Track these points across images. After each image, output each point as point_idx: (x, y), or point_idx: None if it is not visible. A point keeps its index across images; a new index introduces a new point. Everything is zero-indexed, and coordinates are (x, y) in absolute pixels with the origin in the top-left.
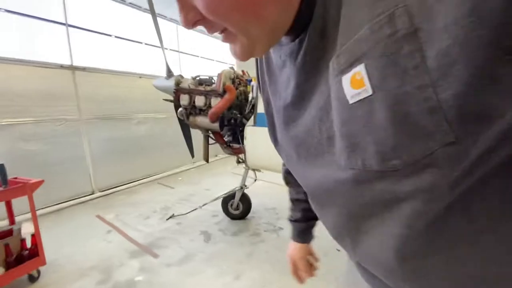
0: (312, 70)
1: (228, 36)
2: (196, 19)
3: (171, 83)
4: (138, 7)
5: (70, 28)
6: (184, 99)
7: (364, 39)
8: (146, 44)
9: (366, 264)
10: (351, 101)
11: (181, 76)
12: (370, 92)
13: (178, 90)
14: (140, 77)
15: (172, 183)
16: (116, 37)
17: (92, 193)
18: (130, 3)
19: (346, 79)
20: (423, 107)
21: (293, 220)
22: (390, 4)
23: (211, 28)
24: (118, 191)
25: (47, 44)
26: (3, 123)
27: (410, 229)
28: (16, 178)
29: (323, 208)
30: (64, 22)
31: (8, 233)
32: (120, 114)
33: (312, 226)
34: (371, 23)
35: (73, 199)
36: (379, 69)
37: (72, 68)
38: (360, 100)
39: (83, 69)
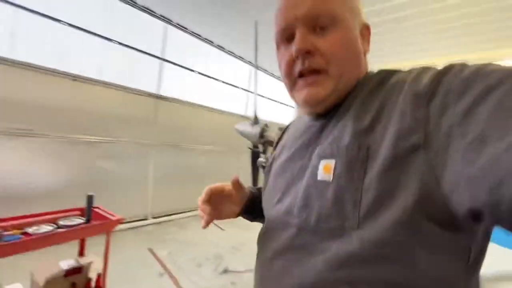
0: (308, 143)
1: (315, 79)
2: (309, 50)
3: (256, 130)
4: (221, 48)
5: (163, 62)
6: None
7: (342, 147)
8: (223, 82)
9: None
10: (318, 178)
11: (266, 126)
12: (330, 179)
13: (266, 143)
14: (210, 111)
15: (223, 222)
16: (198, 73)
17: (146, 219)
18: (218, 45)
19: (322, 163)
20: (352, 199)
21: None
22: (363, 141)
23: (314, 62)
24: (170, 220)
25: (141, 73)
26: (87, 140)
27: (318, 274)
28: (98, 207)
29: (265, 241)
30: (159, 56)
31: (78, 270)
32: (186, 143)
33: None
34: (348, 143)
35: (127, 222)
36: (341, 168)
37: (157, 97)
38: (323, 180)
39: (166, 98)
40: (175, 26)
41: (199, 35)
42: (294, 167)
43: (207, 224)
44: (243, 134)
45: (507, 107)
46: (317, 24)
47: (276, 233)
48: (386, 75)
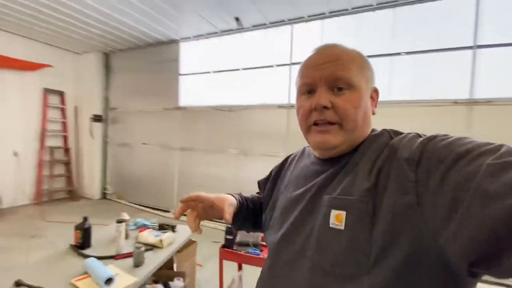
0: (316, 189)
1: (329, 129)
2: (327, 106)
3: None
4: None
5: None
6: None
7: (353, 202)
8: None
9: None
10: (330, 225)
11: None
12: (342, 227)
13: None
14: None
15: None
16: None
17: None
18: None
19: (334, 212)
20: (363, 249)
21: (246, 197)
22: (369, 197)
23: (328, 115)
24: None
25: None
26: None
27: None
28: None
29: (274, 278)
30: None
31: None
32: None
33: (245, 209)
34: (360, 197)
35: None
36: (352, 219)
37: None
38: (335, 228)
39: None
40: None
41: None
42: (301, 207)
43: (199, 229)
44: None
45: (468, 171)
46: (336, 85)
47: (288, 272)
48: (386, 140)
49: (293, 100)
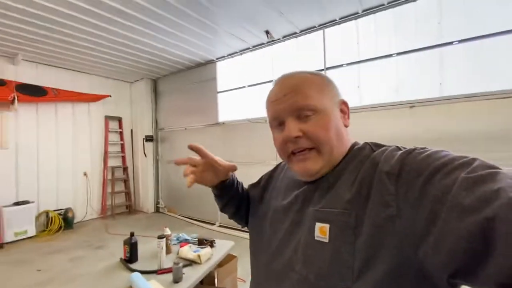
0: (301, 201)
1: (307, 156)
2: (297, 135)
3: None
4: None
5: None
6: None
7: (335, 213)
8: None
9: None
10: (315, 238)
11: None
12: (326, 240)
13: None
14: None
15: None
16: None
17: None
18: None
19: (318, 225)
20: (346, 262)
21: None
22: (351, 210)
23: (302, 143)
24: None
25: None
26: None
27: None
28: None
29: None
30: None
31: None
32: None
33: (235, 189)
34: (342, 209)
35: None
36: (335, 232)
37: None
38: (320, 241)
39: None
40: None
41: None
42: (290, 218)
43: (191, 184)
44: None
45: (445, 184)
46: (301, 114)
47: (276, 283)
48: (368, 153)
49: None
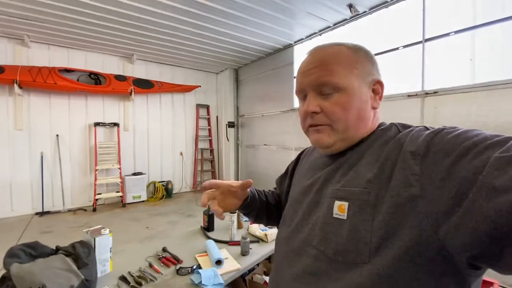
0: (322, 181)
1: (322, 129)
2: (315, 111)
3: None
4: None
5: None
6: None
7: (355, 192)
8: None
9: None
10: (334, 215)
11: None
12: (345, 217)
13: None
14: None
15: None
16: None
17: None
18: None
19: (337, 203)
20: (364, 238)
21: (259, 191)
22: (372, 188)
23: (319, 119)
24: None
25: None
26: None
27: None
28: None
29: (282, 263)
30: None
31: None
32: None
33: (258, 202)
34: (362, 188)
35: None
36: (354, 210)
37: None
38: (338, 218)
39: (435, 92)
40: None
41: None
42: (309, 198)
43: (222, 215)
44: None
45: (475, 165)
46: (323, 91)
47: (294, 258)
48: (394, 134)
49: (429, 86)
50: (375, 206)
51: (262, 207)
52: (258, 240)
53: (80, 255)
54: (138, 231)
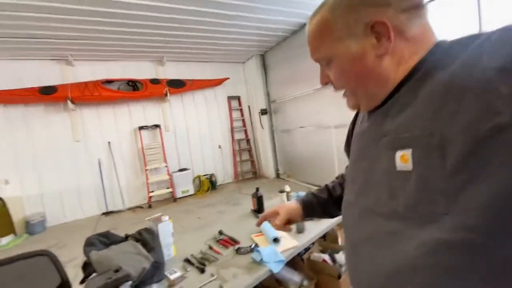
0: (375, 135)
1: (345, 94)
2: (327, 81)
3: None
4: None
5: None
6: None
7: (415, 137)
8: None
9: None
10: (397, 168)
11: None
12: (410, 167)
13: None
14: None
15: None
16: None
17: None
18: None
19: (398, 154)
20: (436, 187)
21: (314, 194)
22: (434, 128)
23: (335, 87)
24: None
25: None
26: None
27: (410, 260)
28: None
29: (349, 228)
30: None
31: None
32: None
33: (316, 206)
34: (422, 130)
35: None
36: (419, 156)
37: None
38: (403, 170)
39: None
40: None
41: None
42: (367, 157)
43: (286, 227)
44: None
45: None
46: (323, 63)
47: (361, 222)
48: (453, 55)
49: None
50: (443, 148)
51: (326, 205)
52: (311, 218)
53: (147, 240)
54: (191, 221)
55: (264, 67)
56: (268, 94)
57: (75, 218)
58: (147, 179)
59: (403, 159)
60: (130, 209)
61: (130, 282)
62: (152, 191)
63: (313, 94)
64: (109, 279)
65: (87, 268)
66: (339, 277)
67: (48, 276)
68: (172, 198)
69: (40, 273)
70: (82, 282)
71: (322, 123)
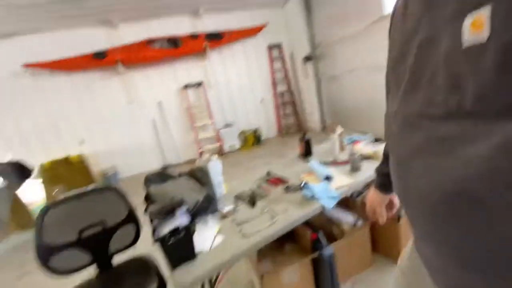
0: (422, 11)
1: None
2: None
3: None
4: None
5: None
6: None
7: None
8: None
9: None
10: (465, 44)
11: None
12: (485, 36)
13: None
14: None
15: None
16: None
17: None
18: None
19: (468, 19)
20: None
21: (379, 170)
22: None
23: None
24: None
25: None
26: None
27: (486, 163)
28: None
29: (400, 141)
30: None
31: None
32: None
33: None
34: None
35: None
36: (504, 14)
37: None
38: (474, 44)
39: None
40: None
41: None
42: (413, 45)
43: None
44: None
45: None
46: None
47: (406, 132)
48: None
49: None
50: None
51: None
52: (367, 158)
53: (199, 177)
54: (241, 173)
55: (307, 7)
56: (312, 38)
57: (140, 171)
58: (196, 136)
59: (476, 25)
60: (185, 162)
61: (186, 206)
62: (202, 147)
63: (363, 31)
64: (166, 205)
65: (148, 199)
66: (398, 219)
67: (116, 206)
68: (221, 153)
69: (110, 204)
70: (145, 210)
71: (376, 63)
